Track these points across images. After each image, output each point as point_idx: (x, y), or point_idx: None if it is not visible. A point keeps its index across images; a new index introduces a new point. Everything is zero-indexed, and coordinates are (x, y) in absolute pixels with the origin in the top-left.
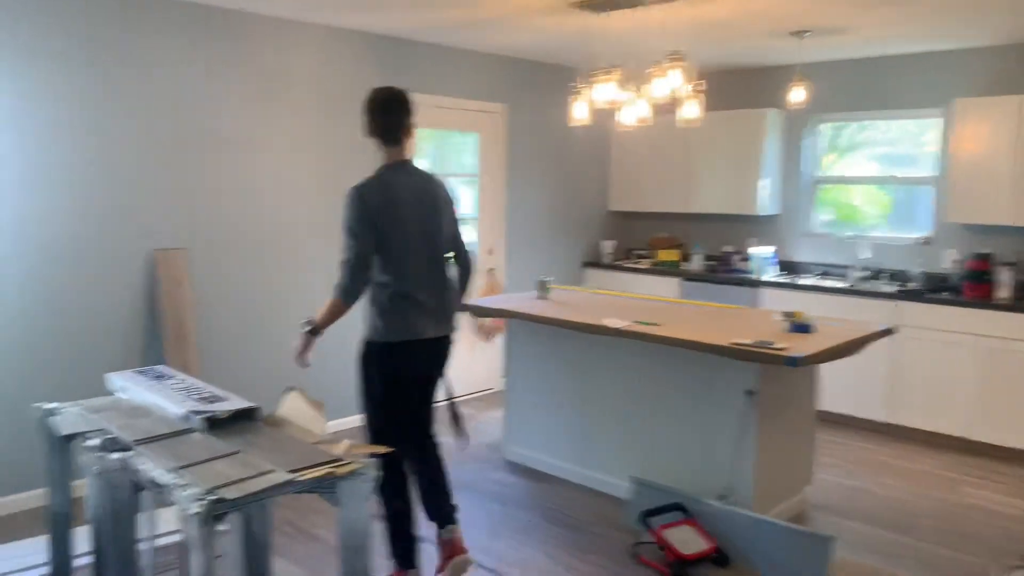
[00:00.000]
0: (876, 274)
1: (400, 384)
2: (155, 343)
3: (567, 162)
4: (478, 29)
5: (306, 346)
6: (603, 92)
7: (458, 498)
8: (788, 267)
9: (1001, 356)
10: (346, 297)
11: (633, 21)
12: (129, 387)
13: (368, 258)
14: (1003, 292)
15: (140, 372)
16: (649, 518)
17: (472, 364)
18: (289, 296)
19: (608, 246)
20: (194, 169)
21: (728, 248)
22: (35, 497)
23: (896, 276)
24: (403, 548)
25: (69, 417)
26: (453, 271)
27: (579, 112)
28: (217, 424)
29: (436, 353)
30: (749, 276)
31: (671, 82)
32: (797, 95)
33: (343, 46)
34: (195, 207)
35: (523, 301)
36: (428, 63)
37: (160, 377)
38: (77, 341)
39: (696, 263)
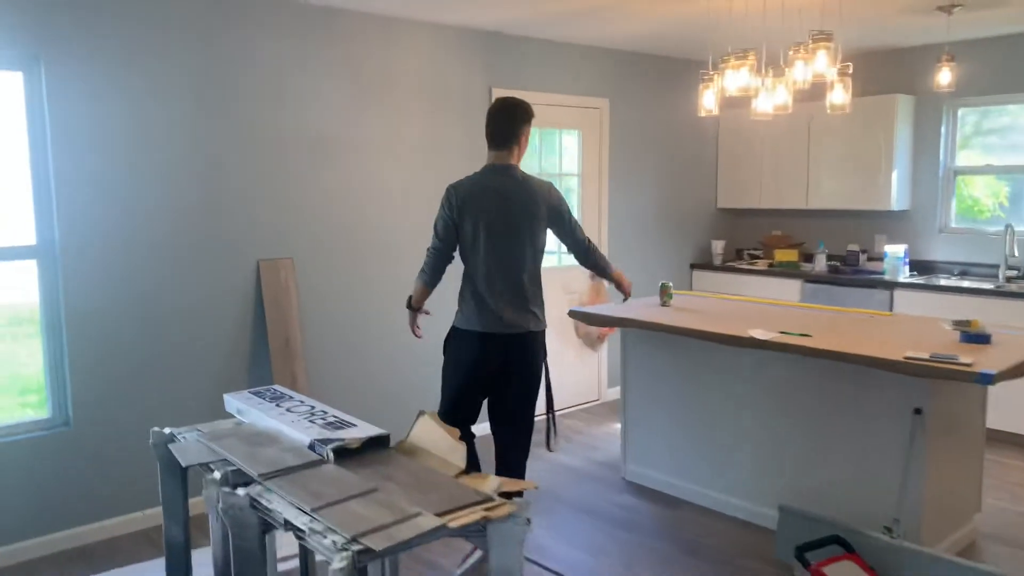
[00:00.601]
0: None
1: (458, 368)
2: (261, 358)
3: (672, 158)
4: (584, 19)
5: (411, 320)
6: (736, 79)
7: (582, 523)
8: (921, 267)
9: None
10: (423, 279)
11: (755, 2)
12: (247, 410)
13: (444, 249)
14: None
15: (256, 393)
16: (805, 553)
17: (576, 373)
18: (397, 307)
19: (718, 246)
20: (299, 174)
21: (853, 247)
22: (150, 517)
23: None
24: None
25: (190, 446)
26: (539, 273)
27: (708, 101)
28: (346, 454)
29: (504, 348)
30: (882, 277)
31: (817, 64)
32: (944, 76)
33: (446, 44)
34: (300, 214)
35: (645, 308)
36: (530, 58)
37: (278, 398)
38: (182, 358)
39: (819, 263)
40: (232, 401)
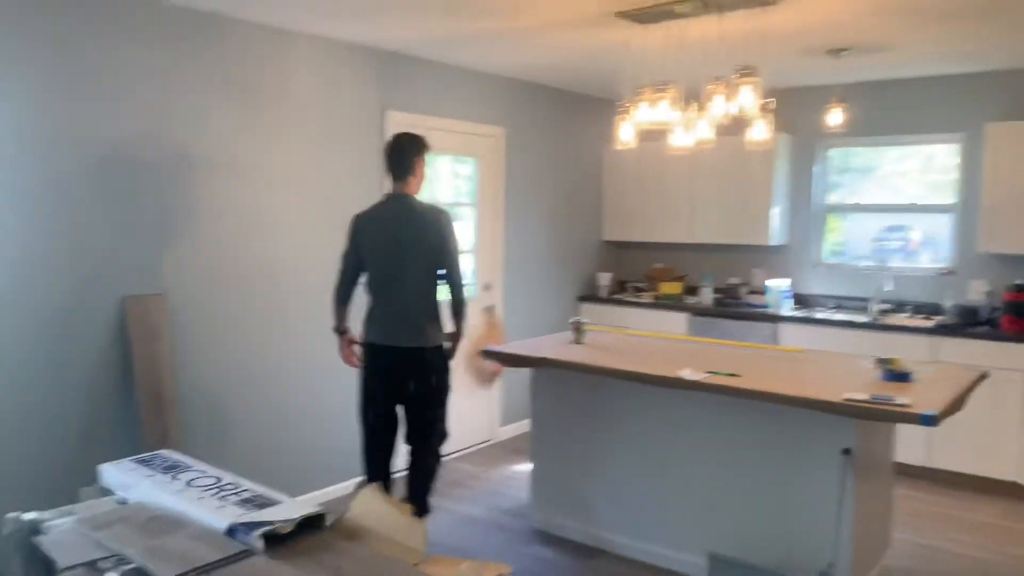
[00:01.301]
0: (898, 307)
1: (368, 378)
2: (129, 412)
3: (562, 191)
4: (480, 44)
5: (340, 347)
6: (654, 112)
7: None
8: (799, 300)
9: None
10: (335, 300)
11: (663, 38)
12: (133, 484)
13: (347, 271)
14: None
15: (143, 462)
16: None
17: (467, 413)
18: (288, 347)
19: (604, 278)
20: (173, 199)
21: (734, 280)
22: None
23: (920, 308)
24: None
25: (67, 538)
26: (432, 293)
27: (626, 134)
28: (276, 540)
29: (398, 361)
30: (765, 311)
31: (742, 100)
32: (835, 118)
33: (340, 61)
34: (174, 244)
35: (559, 346)
36: (427, 82)
37: (173, 468)
38: (33, 419)
39: (705, 296)
40: (112, 473)
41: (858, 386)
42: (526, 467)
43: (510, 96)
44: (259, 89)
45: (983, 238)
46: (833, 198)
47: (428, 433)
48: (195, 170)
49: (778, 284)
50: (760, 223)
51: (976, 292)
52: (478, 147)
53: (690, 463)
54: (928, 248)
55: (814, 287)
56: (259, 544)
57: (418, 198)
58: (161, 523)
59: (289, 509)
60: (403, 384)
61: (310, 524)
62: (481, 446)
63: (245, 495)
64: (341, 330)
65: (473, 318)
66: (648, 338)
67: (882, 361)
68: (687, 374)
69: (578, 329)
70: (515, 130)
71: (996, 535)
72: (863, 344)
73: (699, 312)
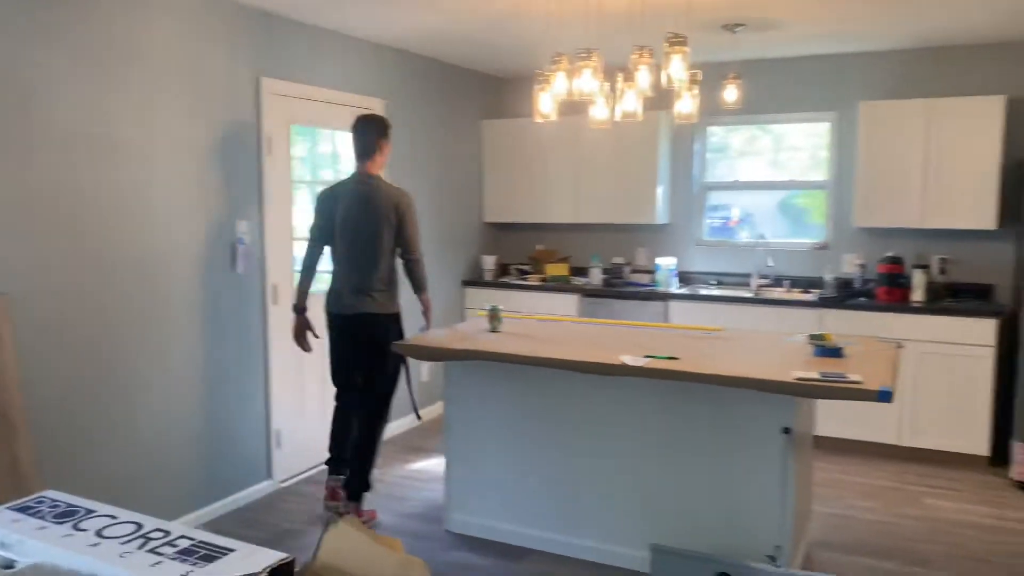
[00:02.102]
0: (777, 281)
1: (331, 349)
2: None
3: (442, 169)
4: (370, 5)
5: (295, 327)
6: (581, 82)
7: None
8: (682, 278)
9: (927, 359)
10: (300, 273)
11: (553, 7)
12: (18, 541)
13: (312, 244)
14: (917, 295)
15: (24, 509)
16: None
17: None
18: (167, 349)
19: (489, 261)
20: (15, 181)
21: (619, 259)
22: None
23: (797, 283)
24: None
25: None
26: (388, 267)
27: (545, 106)
28: None
29: (349, 326)
30: (655, 289)
31: (673, 69)
32: (730, 94)
33: (206, 20)
34: (16, 234)
35: (476, 336)
36: (302, 47)
37: (67, 515)
38: None
39: (595, 277)
40: None
41: (797, 364)
42: (428, 464)
43: (391, 66)
44: (112, 52)
45: (857, 213)
46: (712, 176)
47: (370, 404)
48: (43, 148)
49: (666, 262)
50: (646, 202)
51: (850, 265)
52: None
53: (626, 451)
54: (745, 225)
55: (696, 265)
56: None
57: (382, 176)
58: None
59: (247, 559)
60: (356, 352)
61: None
62: None
63: (183, 544)
64: (299, 309)
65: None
66: (563, 323)
67: (814, 337)
68: (629, 360)
69: (494, 317)
70: (395, 103)
71: (892, 498)
72: (759, 318)
73: (589, 293)
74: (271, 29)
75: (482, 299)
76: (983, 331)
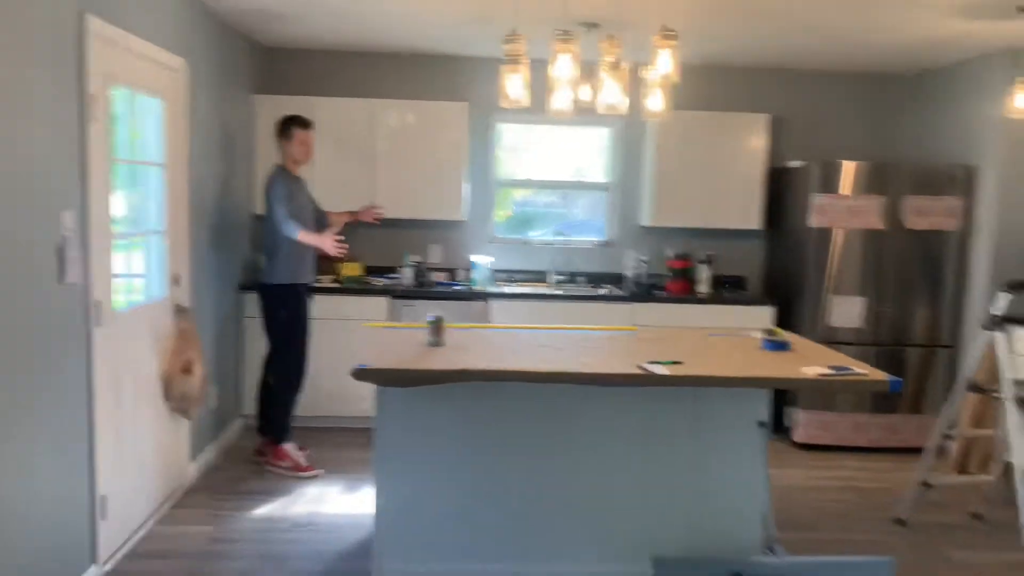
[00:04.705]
0: (571, 278)
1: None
2: None
3: (217, 149)
4: None
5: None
6: (561, 67)
7: None
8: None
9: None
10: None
11: None
12: None
13: None
14: (702, 287)
15: None
16: None
17: (153, 454)
18: None
19: None
20: None
21: (416, 258)
22: None
23: (591, 278)
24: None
25: None
26: (267, 241)
27: (515, 90)
28: None
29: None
30: (473, 288)
31: (660, 65)
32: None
33: None
34: None
35: (416, 351)
36: None
37: None
38: None
39: (407, 276)
40: None
41: (755, 360)
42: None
43: (191, 19)
44: None
45: (647, 214)
46: (503, 173)
47: (272, 369)
48: None
49: (483, 260)
50: (453, 198)
51: (633, 261)
52: (165, 84)
53: (602, 463)
54: (536, 222)
55: (493, 262)
56: None
57: (283, 166)
58: None
59: None
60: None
61: None
62: (172, 497)
63: None
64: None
65: (165, 325)
66: (509, 332)
67: (767, 332)
68: (657, 368)
69: (439, 329)
70: (198, 66)
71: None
72: (576, 314)
73: (400, 294)
74: None
75: None
76: (761, 317)
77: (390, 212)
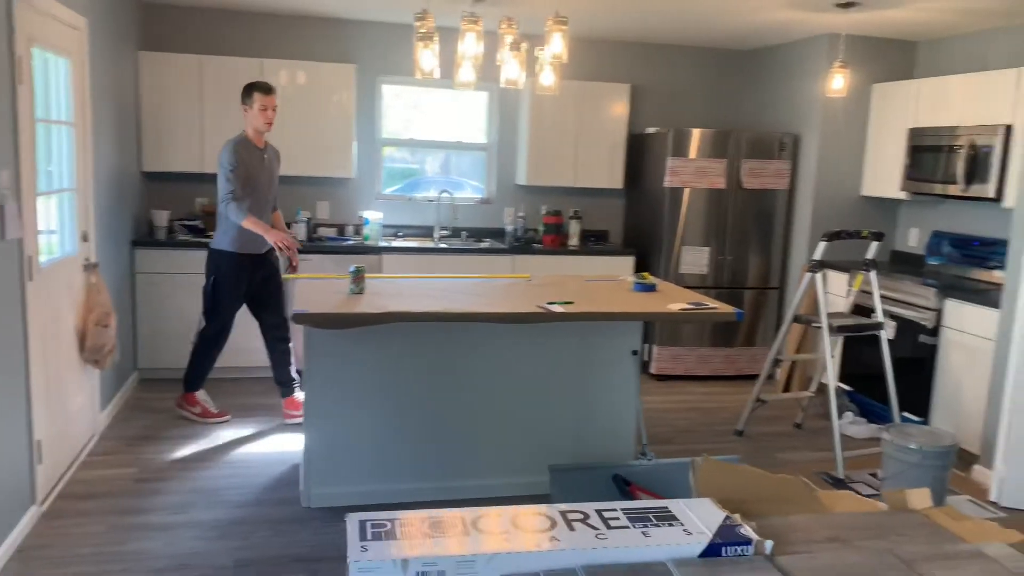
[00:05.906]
0: (455, 232)
1: None
2: None
3: (103, 104)
4: None
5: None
6: (468, 45)
7: None
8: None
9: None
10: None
11: None
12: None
13: None
14: (573, 240)
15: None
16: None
17: (73, 406)
18: None
19: (162, 217)
20: None
21: (306, 214)
22: None
23: (473, 233)
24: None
25: None
26: (219, 208)
27: (427, 63)
28: None
29: None
30: (366, 243)
31: (553, 47)
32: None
33: None
34: None
35: (338, 298)
36: None
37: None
38: None
39: (300, 232)
40: None
41: (629, 300)
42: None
43: None
44: None
45: (523, 173)
46: (387, 132)
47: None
48: None
49: (375, 216)
50: (343, 156)
51: (511, 216)
52: (70, 41)
53: (504, 390)
54: (420, 181)
55: (380, 218)
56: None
57: (248, 132)
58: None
59: (701, 510)
60: None
61: None
62: (89, 447)
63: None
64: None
65: (78, 280)
66: (411, 280)
67: (639, 276)
68: (555, 307)
69: (360, 278)
70: (94, 27)
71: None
72: (466, 265)
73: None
74: None
75: (161, 263)
76: (624, 266)
77: (286, 170)
